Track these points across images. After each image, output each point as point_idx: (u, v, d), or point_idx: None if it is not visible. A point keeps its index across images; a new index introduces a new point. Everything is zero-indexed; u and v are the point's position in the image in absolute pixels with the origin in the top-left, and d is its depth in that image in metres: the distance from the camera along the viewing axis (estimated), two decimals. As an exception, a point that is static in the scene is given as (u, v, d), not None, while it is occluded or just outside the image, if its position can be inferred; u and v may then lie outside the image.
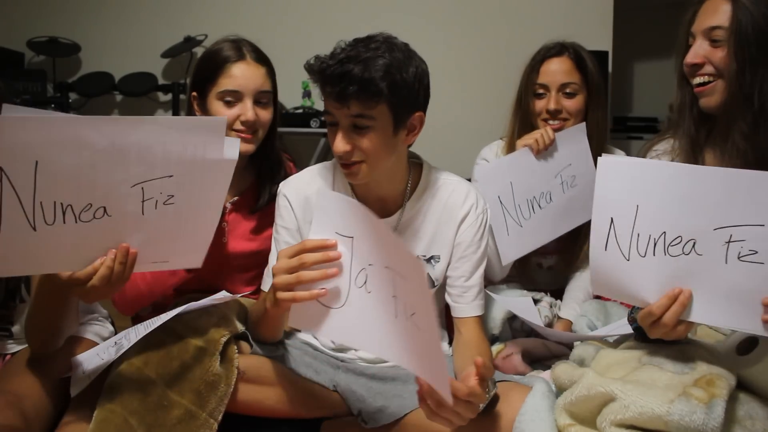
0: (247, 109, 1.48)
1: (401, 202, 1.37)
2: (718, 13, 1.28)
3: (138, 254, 1.12)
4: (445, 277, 1.40)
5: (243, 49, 1.51)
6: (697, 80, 1.31)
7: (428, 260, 1.38)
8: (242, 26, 4.06)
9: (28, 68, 3.93)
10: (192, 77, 1.58)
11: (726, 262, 1.01)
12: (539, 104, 1.69)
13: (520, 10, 3.88)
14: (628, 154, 1.87)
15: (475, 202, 1.38)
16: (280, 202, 1.40)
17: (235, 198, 1.59)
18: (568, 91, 1.67)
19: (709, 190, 1.00)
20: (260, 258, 1.64)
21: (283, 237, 1.39)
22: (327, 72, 1.18)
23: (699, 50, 1.30)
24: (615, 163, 1.09)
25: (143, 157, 1.05)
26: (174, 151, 1.07)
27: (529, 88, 1.71)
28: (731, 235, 1.00)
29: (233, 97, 1.48)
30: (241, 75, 1.49)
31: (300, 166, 1.64)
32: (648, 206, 1.05)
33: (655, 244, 1.06)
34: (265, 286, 1.40)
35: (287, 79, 3.90)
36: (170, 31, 3.79)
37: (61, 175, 1.01)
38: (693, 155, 1.35)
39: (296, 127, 3.68)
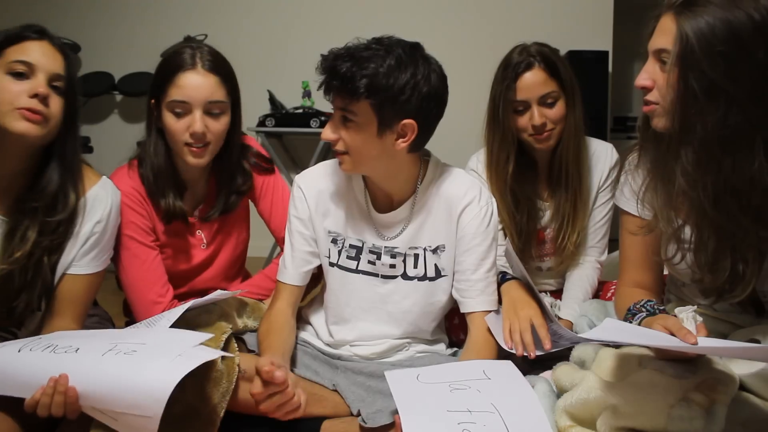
0: (195, 121, 1.41)
1: (407, 198, 1.39)
2: (665, 34, 1.15)
3: (84, 392, 1.07)
4: (454, 272, 1.41)
5: (196, 57, 1.44)
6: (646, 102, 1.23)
7: (434, 250, 1.40)
8: (242, 26, 4.08)
9: (28, 68, 3.93)
10: (150, 84, 1.50)
11: None
12: (522, 121, 1.65)
13: (519, 10, 3.88)
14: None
15: (478, 195, 1.39)
16: (295, 194, 1.45)
17: (200, 207, 1.57)
18: (548, 101, 1.63)
19: None
20: (241, 259, 1.69)
21: (296, 227, 1.43)
22: (322, 64, 1.29)
23: (648, 72, 1.20)
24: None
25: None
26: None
27: (507, 106, 1.65)
28: None
29: (182, 109, 1.42)
30: (189, 85, 1.41)
31: (300, 166, 1.64)
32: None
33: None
34: (281, 275, 1.44)
35: (287, 79, 3.93)
36: (170, 31, 3.79)
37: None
38: (656, 177, 1.28)
39: (296, 127, 3.68)
